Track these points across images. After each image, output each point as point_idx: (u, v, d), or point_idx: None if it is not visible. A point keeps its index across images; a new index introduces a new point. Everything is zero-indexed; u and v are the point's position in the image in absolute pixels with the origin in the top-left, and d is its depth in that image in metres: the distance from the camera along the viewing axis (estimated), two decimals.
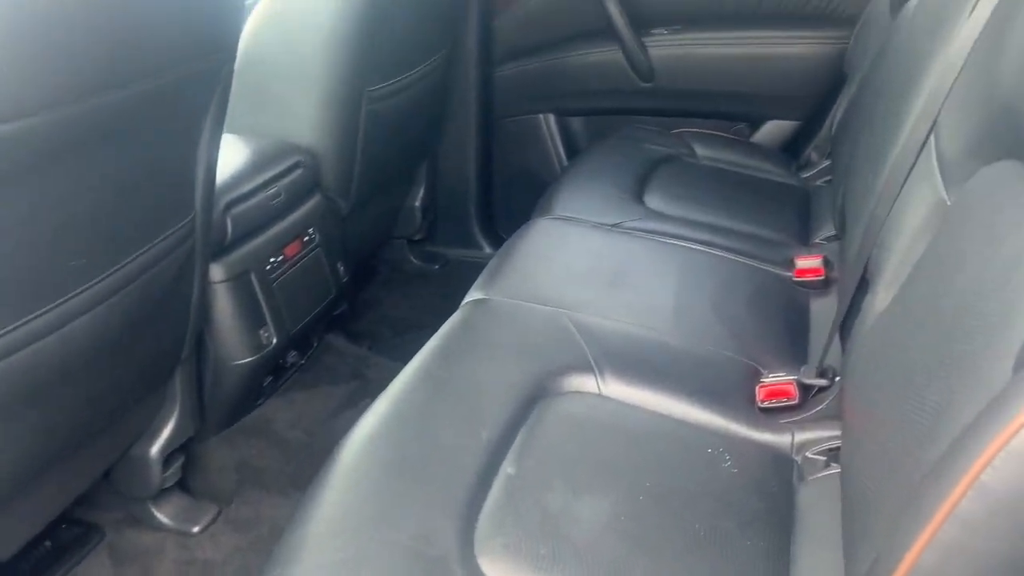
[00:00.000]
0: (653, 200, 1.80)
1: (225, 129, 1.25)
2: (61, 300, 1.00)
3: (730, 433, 1.14)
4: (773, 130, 2.31)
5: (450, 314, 1.36)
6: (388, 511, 0.93)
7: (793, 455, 1.13)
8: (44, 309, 0.98)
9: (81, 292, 1.03)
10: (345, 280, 1.88)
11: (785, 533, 0.99)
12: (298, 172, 1.69)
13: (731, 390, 1.21)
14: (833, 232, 1.66)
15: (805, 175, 2.08)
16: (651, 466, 1.06)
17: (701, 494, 1.02)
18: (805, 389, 1.21)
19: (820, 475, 1.08)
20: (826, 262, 1.54)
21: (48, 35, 0.81)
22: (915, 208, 1.01)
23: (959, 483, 0.54)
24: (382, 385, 1.16)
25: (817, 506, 1.02)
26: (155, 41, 0.98)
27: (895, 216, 1.08)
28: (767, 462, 1.11)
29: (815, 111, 2.23)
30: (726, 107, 2.32)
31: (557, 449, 1.06)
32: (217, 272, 1.48)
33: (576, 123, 2.47)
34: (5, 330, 0.94)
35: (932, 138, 1.05)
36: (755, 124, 2.32)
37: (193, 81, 1.10)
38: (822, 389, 1.21)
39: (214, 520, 1.55)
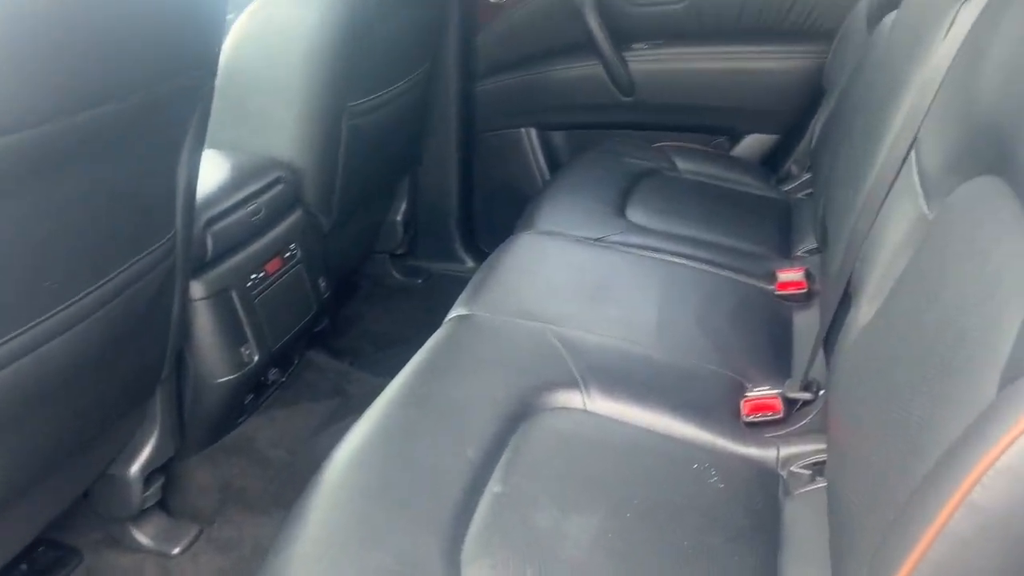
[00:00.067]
0: (635, 214, 1.80)
1: (205, 144, 1.24)
2: (40, 319, 0.98)
3: (716, 448, 1.14)
4: (753, 143, 2.33)
5: (433, 328, 1.35)
6: (373, 532, 0.92)
7: (779, 469, 1.13)
8: (22, 329, 0.96)
9: (61, 311, 1.01)
10: (327, 296, 1.86)
11: (772, 548, 0.99)
12: (279, 188, 1.67)
13: (716, 404, 1.22)
14: (814, 244, 1.67)
15: (786, 188, 2.10)
16: (638, 481, 1.06)
17: (687, 509, 1.02)
18: (790, 403, 1.22)
19: (806, 489, 1.08)
20: (808, 275, 1.55)
21: (23, 55, 0.80)
22: (897, 222, 1.02)
23: (949, 502, 0.54)
24: (364, 401, 1.15)
25: (803, 520, 1.02)
26: (135, 58, 0.97)
27: (877, 230, 1.08)
28: (753, 476, 1.11)
29: (794, 124, 2.25)
30: (706, 121, 2.34)
31: (543, 466, 1.06)
32: (197, 289, 1.46)
33: (558, 137, 2.47)
34: None
35: (913, 153, 1.06)
36: (735, 138, 2.34)
37: (174, 97, 1.08)
38: (807, 403, 1.21)
39: (195, 540, 1.53)
